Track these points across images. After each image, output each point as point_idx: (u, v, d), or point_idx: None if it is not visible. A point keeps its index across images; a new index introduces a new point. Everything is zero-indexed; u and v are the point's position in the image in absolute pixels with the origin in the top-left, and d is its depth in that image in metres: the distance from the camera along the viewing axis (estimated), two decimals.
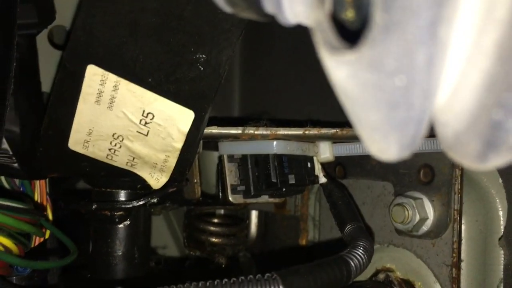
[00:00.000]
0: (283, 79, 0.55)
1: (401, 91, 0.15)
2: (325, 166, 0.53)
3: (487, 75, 0.15)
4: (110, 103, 0.40)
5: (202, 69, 0.37)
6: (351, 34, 0.16)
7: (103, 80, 0.39)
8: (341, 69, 0.15)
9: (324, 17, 0.16)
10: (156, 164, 0.42)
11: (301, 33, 0.53)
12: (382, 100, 0.15)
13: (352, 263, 0.36)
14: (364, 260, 0.37)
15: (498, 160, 0.16)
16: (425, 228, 0.48)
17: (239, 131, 0.45)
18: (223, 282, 0.34)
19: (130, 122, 0.40)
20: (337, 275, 0.35)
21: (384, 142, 0.17)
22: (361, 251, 0.37)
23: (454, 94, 0.16)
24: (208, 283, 0.34)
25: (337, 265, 0.35)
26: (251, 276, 0.34)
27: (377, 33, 0.14)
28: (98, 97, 0.39)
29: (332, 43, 0.16)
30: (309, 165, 0.50)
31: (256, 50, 0.58)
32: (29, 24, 0.49)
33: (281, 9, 0.19)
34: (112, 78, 0.38)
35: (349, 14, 0.18)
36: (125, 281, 0.50)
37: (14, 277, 0.47)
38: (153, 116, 0.40)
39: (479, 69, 0.15)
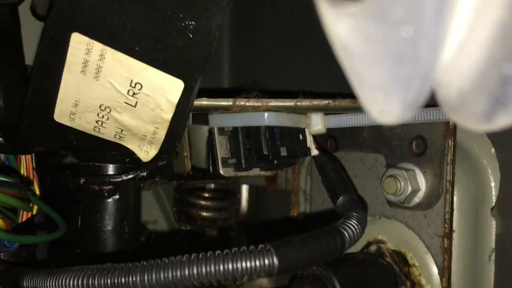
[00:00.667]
0: (274, 50, 0.54)
1: (407, 43, 0.14)
2: (316, 138, 0.52)
3: (498, 26, 0.14)
4: (96, 73, 0.38)
5: (191, 36, 0.36)
6: None
7: (88, 49, 0.37)
8: (343, 22, 0.14)
9: None
10: (145, 136, 0.41)
11: (292, 1, 0.52)
12: (386, 54, 0.14)
13: (346, 234, 0.36)
14: (357, 231, 0.37)
15: (505, 119, 0.15)
16: (417, 199, 0.48)
17: (230, 103, 0.45)
18: (216, 254, 0.33)
19: (117, 93, 0.39)
20: (331, 245, 0.35)
21: (386, 101, 0.16)
22: (354, 221, 0.37)
23: (460, 50, 0.15)
24: (200, 255, 0.33)
25: (331, 236, 0.35)
26: (244, 247, 0.33)
27: None
28: (83, 67, 0.38)
29: None
30: (300, 137, 0.49)
31: (246, 20, 0.56)
32: None
33: None
34: (97, 46, 0.37)
35: None
36: (115, 255, 0.49)
37: (1, 254, 0.46)
38: (141, 87, 0.38)
39: (489, 20, 0.14)
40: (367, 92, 0.16)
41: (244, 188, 0.65)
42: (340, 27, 0.15)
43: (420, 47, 0.14)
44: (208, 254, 0.33)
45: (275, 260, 0.33)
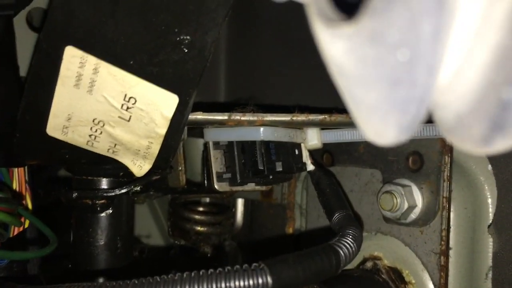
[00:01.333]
0: (270, 65, 0.54)
1: (403, 66, 0.13)
2: (312, 153, 0.52)
3: (497, 50, 0.13)
4: (90, 87, 0.38)
5: (186, 51, 0.35)
6: (346, 6, 0.15)
7: (82, 63, 0.37)
8: (338, 43, 0.14)
9: None
10: (139, 150, 0.41)
11: (288, 16, 0.52)
12: (382, 77, 0.14)
13: (341, 252, 0.35)
14: (353, 249, 0.36)
15: (503, 143, 0.15)
16: (413, 215, 0.48)
17: (225, 117, 0.44)
18: (209, 272, 0.33)
19: (111, 107, 0.38)
20: (325, 264, 0.34)
21: (382, 123, 0.15)
22: (350, 239, 0.36)
23: (458, 74, 0.15)
24: (193, 274, 0.33)
25: (326, 254, 0.34)
26: (237, 266, 0.33)
27: (379, 2, 0.13)
28: (77, 81, 0.38)
29: (328, 15, 0.14)
30: (296, 152, 0.49)
31: (242, 35, 0.56)
32: (5, 4, 0.47)
33: None
34: (91, 60, 0.37)
35: None
36: (107, 271, 0.48)
37: None
38: (135, 101, 0.38)
39: (488, 44, 0.14)
40: (362, 114, 0.16)
41: (240, 202, 0.64)
42: (335, 48, 0.14)
43: (416, 70, 0.13)
44: (201, 273, 0.33)
45: (269, 279, 0.32)
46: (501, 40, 0.13)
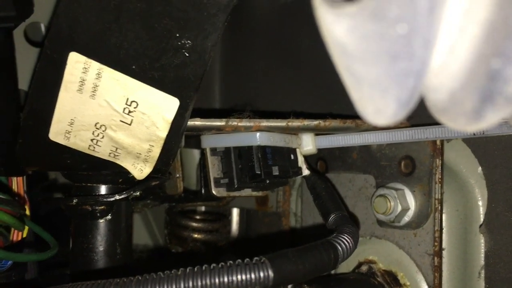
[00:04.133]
0: (265, 72, 0.55)
1: (402, 40, 0.15)
2: (307, 160, 0.53)
3: (486, 25, 0.15)
4: (93, 92, 0.39)
5: (187, 55, 0.37)
6: None
7: (85, 68, 0.38)
8: (341, 22, 0.15)
9: None
10: (140, 154, 0.42)
11: (282, 24, 0.54)
12: (383, 51, 0.15)
13: (339, 247, 0.36)
14: (350, 245, 0.37)
15: (493, 115, 0.16)
16: (406, 218, 0.49)
17: (223, 123, 0.45)
18: (211, 267, 0.33)
19: (113, 111, 0.40)
20: (324, 258, 0.35)
21: (382, 98, 0.17)
22: (347, 236, 0.37)
23: (450, 53, 0.16)
24: (196, 269, 0.33)
25: (325, 249, 0.35)
26: (239, 260, 0.33)
27: None
28: (80, 86, 0.39)
29: None
30: (292, 157, 0.50)
31: (237, 42, 0.58)
32: (6, 17, 0.49)
33: None
34: (95, 65, 0.38)
35: None
36: (106, 277, 0.48)
37: None
38: (137, 105, 0.39)
39: (477, 20, 0.15)
40: (363, 91, 0.17)
41: (235, 212, 0.65)
42: (338, 28, 0.16)
43: (414, 43, 0.15)
44: (204, 268, 0.33)
45: (270, 273, 0.33)
46: (489, 15, 0.15)
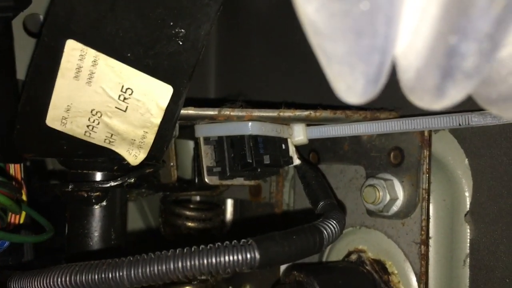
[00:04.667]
0: (259, 62, 0.57)
1: (365, 17, 0.16)
2: (299, 150, 0.54)
3: (443, 3, 0.16)
4: (89, 79, 0.40)
5: (181, 43, 0.38)
6: None
7: (82, 55, 0.39)
8: (311, 2, 0.17)
9: None
10: (134, 140, 0.43)
11: (276, 15, 0.55)
12: (348, 28, 0.16)
13: (324, 232, 0.37)
14: (336, 230, 0.38)
15: (455, 92, 0.17)
16: (395, 208, 0.50)
17: (215, 112, 0.46)
18: (200, 248, 0.35)
19: (108, 98, 0.41)
20: (310, 242, 0.36)
21: (351, 75, 0.18)
22: (333, 221, 0.39)
23: (415, 33, 0.18)
24: (185, 250, 0.35)
25: (311, 233, 0.36)
26: (227, 242, 0.35)
27: None
28: (77, 73, 0.40)
29: None
30: (283, 146, 0.51)
31: (232, 33, 0.59)
32: (4, 7, 0.50)
33: None
34: (91, 53, 0.39)
35: None
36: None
37: None
38: (132, 92, 0.40)
39: (437, 0, 0.16)
40: (334, 68, 0.18)
41: (229, 202, 0.66)
42: (309, 8, 0.17)
43: (376, 20, 0.16)
44: (192, 249, 0.35)
45: (257, 254, 0.34)
46: None
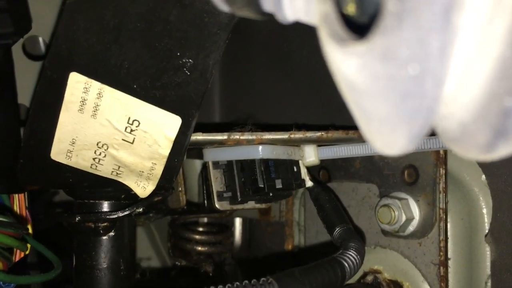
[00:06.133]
0: (265, 84, 0.55)
1: (413, 80, 0.15)
2: (310, 170, 0.53)
3: (498, 62, 0.15)
4: (94, 111, 0.39)
5: (188, 73, 0.36)
6: (357, 27, 0.16)
7: (86, 88, 0.38)
8: (350, 61, 0.15)
9: (331, 9, 0.16)
10: (143, 172, 0.41)
11: (281, 37, 0.53)
12: (393, 90, 0.15)
13: (346, 265, 0.36)
14: (357, 261, 0.37)
15: (506, 149, 0.16)
16: (411, 228, 0.49)
17: (225, 137, 0.45)
18: None
19: (115, 130, 0.39)
20: (331, 276, 0.35)
21: (392, 134, 0.16)
22: (353, 252, 0.37)
23: (461, 84, 0.16)
24: None
25: (332, 267, 0.35)
26: (246, 281, 0.33)
27: (390, 21, 0.14)
28: (81, 105, 0.39)
29: (341, 35, 0.16)
30: (295, 169, 0.50)
31: (236, 55, 0.57)
32: (4, 33, 0.48)
33: (280, 7, 0.19)
34: (95, 85, 0.38)
35: (349, 9, 0.18)
36: None
37: None
38: (139, 123, 0.39)
39: (489, 57, 0.15)
40: (372, 126, 0.17)
41: (238, 221, 0.65)
42: (347, 66, 0.15)
43: (426, 83, 0.15)
44: None
45: None
46: (501, 53, 0.14)
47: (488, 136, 0.16)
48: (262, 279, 0.33)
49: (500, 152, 0.16)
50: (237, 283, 0.33)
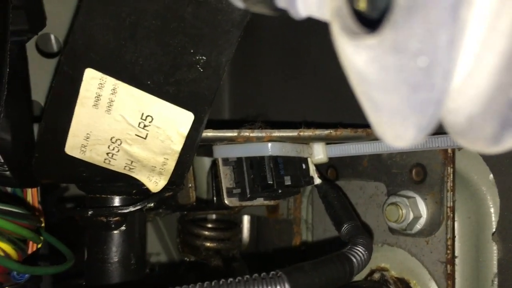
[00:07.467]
0: (274, 81, 0.56)
1: (423, 72, 0.15)
2: (318, 168, 0.53)
3: (504, 55, 0.15)
4: (109, 107, 0.40)
5: (202, 70, 0.37)
6: (368, 21, 0.17)
7: (101, 84, 0.39)
8: (362, 54, 0.16)
9: (344, 3, 0.17)
10: (155, 167, 0.42)
11: (290, 34, 0.54)
12: (403, 82, 0.16)
13: (354, 260, 0.36)
14: (365, 257, 0.37)
15: None
16: (418, 226, 0.49)
17: (235, 134, 0.46)
18: (228, 281, 0.34)
19: (128, 126, 0.40)
20: (340, 271, 0.35)
21: (402, 125, 0.17)
22: (361, 247, 0.38)
23: (468, 78, 0.17)
24: (213, 283, 0.34)
25: (340, 262, 0.36)
26: (256, 274, 0.34)
27: (400, 15, 0.15)
28: (96, 101, 0.39)
29: (352, 29, 0.16)
30: (303, 166, 0.50)
31: (245, 51, 0.58)
32: (20, 30, 0.49)
33: (293, 2, 0.20)
34: (110, 81, 0.39)
35: (361, 5, 0.18)
36: (121, 287, 0.49)
37: (6, 287, 0.46)
38: (152, 119, 0.40)
39: (496, 51, 0.15)
40: (382, 118, 0.17)
41: (246, 219, 0.65)
42: (358, 58, 0.16)
43: (435, 75, 0.15)
44: (221, 282, 0.34)
45: (287, 287, 0.33)
46: (507, 46, 0.15)
47: (495, 128, 0.16)
48: (272, 272, 0.34)
49: (506, 144, 0.17)
50: (247, 276, 0.34)
